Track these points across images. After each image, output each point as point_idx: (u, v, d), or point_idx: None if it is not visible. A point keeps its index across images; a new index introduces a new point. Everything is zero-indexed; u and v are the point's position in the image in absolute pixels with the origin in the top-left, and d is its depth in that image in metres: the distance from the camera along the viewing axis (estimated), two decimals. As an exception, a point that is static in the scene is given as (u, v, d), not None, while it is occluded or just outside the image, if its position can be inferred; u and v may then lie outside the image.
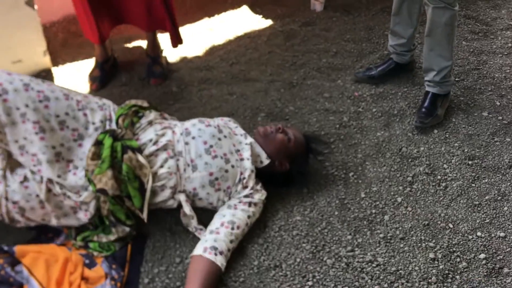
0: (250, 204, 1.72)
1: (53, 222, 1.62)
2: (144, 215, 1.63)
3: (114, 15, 2.40)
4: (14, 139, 1.55)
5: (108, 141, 1.60)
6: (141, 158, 1.61)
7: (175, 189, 1.67)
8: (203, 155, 1.68)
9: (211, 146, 1.70)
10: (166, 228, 1.76)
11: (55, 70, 2.58)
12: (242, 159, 1.76)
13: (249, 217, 1.70)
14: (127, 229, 1.66)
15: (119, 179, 1.59)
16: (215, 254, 1.56)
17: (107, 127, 1.70)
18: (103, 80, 2.49)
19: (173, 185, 1.67)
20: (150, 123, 1.76)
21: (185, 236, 1.73)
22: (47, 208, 1.57)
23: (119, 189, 1.58)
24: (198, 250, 1.58)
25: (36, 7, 2.37)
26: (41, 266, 1.57)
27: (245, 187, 1.74)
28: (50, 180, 1.56)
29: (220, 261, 1.56)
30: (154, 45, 2.57)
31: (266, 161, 1.80)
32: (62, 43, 2.82)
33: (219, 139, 1.74)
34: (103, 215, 1.64)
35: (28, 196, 1.55)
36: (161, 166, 1.65)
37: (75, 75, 2.57)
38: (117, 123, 1.71)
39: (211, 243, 1.59)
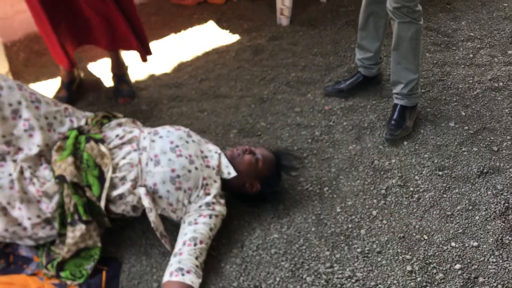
0: (211, 216, 1.69)
1: (17, 208, 1.57)
2: (102, 204, 1.63)
3: (77, 36, 2.34)
4: (1, 134, 1.61)
5: (73, 133, 1.70)
6: (103, 148, 1.67)
7: (135, 182, 1.65)
8: (167, 152, 1.70)
9: (177, 146, 1.72)
10: (141, 252, 1.72)
11: (18, 91, 2.49)
12: (208, 166, 1.77)
13: (211, 229, 1.67)
14: (84, 227, 1.60)
15: (80, 168, 1.63)
16: (182, 275, 1.53)
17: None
18: (70, 100, 2.42)
19: (134, 178, 1.65)
20: (120, 124, 1.83)
21: (161, 259, 1.70)
22: (15, 188, 1.57)
23: (78, 177, 1.60)
24: (165, 277, 1.56)
25: (-4, 27, 2.29)
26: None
27: (207, 194, 1.72)
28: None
29: (190, 279, 1.53)
30: (118, 64, 2.53)
31: (233, 173, 1.79)
32: (24, 63, 2.73)
33: (187, 142, 1.77)
34: (67, 212, 1.60)
35: (1, 174, 1.57)
36: (123, 158, 1.68)
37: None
38: (86, 123, 1.80)
39: (176, 265, 1.56)
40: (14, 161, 1.61)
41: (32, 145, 1.65)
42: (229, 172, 1.80)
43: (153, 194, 1.67)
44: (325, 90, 2.56)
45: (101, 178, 1.63)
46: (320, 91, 2.58)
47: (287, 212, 1.91)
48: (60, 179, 1.59)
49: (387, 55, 2.73)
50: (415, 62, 2.19)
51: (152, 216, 1.64)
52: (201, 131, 2.31)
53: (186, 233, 1.65)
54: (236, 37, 3.07)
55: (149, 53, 2.44)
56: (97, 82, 2.62)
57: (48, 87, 2.55)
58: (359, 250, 1.75)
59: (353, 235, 1.81)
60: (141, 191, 1.65)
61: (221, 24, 3.23)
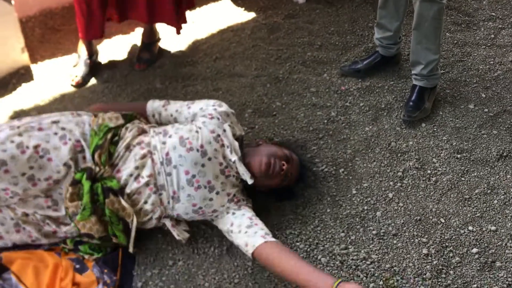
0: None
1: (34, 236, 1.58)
2: (130, 249, 1.61)
3: (118, 11, 2.37)
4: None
5: (86, 185, 1.52)
6: (123, 202, 1.55)
7: (160, 217, 1.64)
8: (185, 187, 1.59)
9: (193, 176, 1.59)
10: (156, 230, 1.73)
11: (34, 67, 2.49)
12: (228, 176, 1.67)
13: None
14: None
15: (104, 221, 1.56)
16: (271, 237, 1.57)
17: (80, 161, 1.57)
18: (87, 77, 2.42)
19: (158, 216, 1.63)
20: (128, 147, 1.61)
21: (177, 238, 1.70)
22: (26, 229, 1.55)
23: (105, 231, 1.56)
24: (258, 241, 1.54)
25: (13, 1, 2.28)
26: (30, 273, 1.52)
27: (237, 201, 1.69)
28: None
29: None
30: (151, 33, 2.57)
31: (250, 181, 1.67)
32: (39, 39, 2.72)
33: (203, 165, 1.60)
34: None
35: (3, 219, 1.53)
36: (145, 202, 1.59)
37: (55, 72, 2.49)
38: (93, 157, 1.57)
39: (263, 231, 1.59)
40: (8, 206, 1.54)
41: (27, 206, 1.54)
42: (247, 179, 1.68)
43: (177, 218, 1.68)
44: (341, 70, 2.52)
45: (126, 230, 1.59)
46: (337, 71, 2.54)
47: (302, 193, 1.90)
48: (87, 237, 1.57)
49: (407, 35, 2.68)
50: (436, 42, 2.14)
51: (178, 236, 1.65)
52: (216, 110, 2.29)
53: (244, 213, 1.66)
54: (251, 15, 3.03)
55: (185, 21, 2.48)
56: (113, 59, 2.61)
57: (64, 64, 2.54)
58: (374, 232, 1.74)
59: (368, 217, 1.80)
60: (167, 223, 1.65)
61: (237, 1, 3.17)
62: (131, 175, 1.57)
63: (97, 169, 1.55)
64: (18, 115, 2.23)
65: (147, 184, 1.57)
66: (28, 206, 1.53)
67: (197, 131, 1.63)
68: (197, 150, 1.59)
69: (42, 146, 1.50)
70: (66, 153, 1.53)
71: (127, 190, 1.57)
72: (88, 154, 1.57)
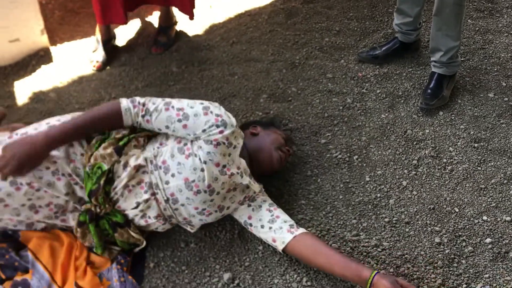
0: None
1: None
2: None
3: None
4: None
5: (92, 228, 1.52)
6: (132, 233, 1.57)
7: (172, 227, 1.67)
8: (196, 216, 1.57)
9: (203, 209, 1.56)
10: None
11: (53, 49, 2.52)
12: (236, 189, 1.61)
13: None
14: None
15: (117, 245, 1.60)
16: (297, 227, 1.60)
17: (77, 190, 1.54)
18: (106, 60, 2.44)
19: (164, 228, 1.64)
20: (127, 187, 1.52)
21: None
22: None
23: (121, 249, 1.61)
24: (287, 237, 1.55)
25: (32, -16, 2.30)
26: (46, 251, 1.56)
27: (250, 197, 1.68)
28: None
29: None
30: (167, 17, 2.58)
31: (258, 189, 1.67)
32: (59, 21, 2.75)
33: (212, 200, 1.54)
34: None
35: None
36: (156, 229, 1.61)
37: (74, 55, 2.52)
38: (89, 199, 1.52)
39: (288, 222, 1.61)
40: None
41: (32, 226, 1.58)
42: (255, 190, 1.67)
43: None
44: (359, 56, 2.49)
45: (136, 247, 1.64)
46: (354, 57, 2.51)
47: (315, 179, 1.90)
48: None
49: (427, 21, 2.62)
50: (457, 28, 2.09)
51: (191, 230, 1.66)
52: (231, 95, 2.29)
53: (260, 205, 1.67)
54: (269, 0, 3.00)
55: (193, 5, 2.47)
56: (130, 43, 2.62)
57: (83, 46, 2.57)
58: (386, 219, 1.73)
59: (381, 204, 1.79)
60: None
61: (255, -15, 3.15)
62: (136, 215, 1.55)
63: (98, 209, 1.52)
64: (37, 96, 2.27)
65: (156, 218, 1.57)
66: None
67: (202, 169, 1.49)
68: (205, 192, 1.51)
69: (36, 183, 1.47)
70: (61, 188, 1.50)
71: (134, 219, 1.57)
72: (83, 191, 1.54)
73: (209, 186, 1.50)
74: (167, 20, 2.59)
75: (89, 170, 1.50)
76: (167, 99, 1.56)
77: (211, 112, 1.52)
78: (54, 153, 1.49)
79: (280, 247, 1.56)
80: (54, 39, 2.59)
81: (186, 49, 2.58)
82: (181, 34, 2.68)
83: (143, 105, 1.53)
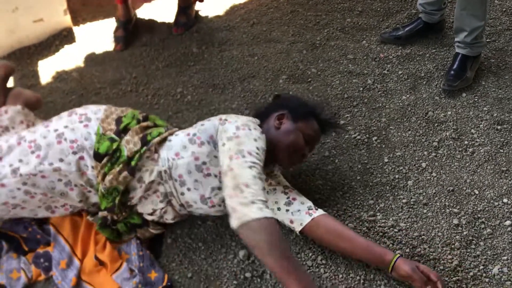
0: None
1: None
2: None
3: None
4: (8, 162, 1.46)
5: (107, 233, 1.56)
6: (153, 230, 1.59)
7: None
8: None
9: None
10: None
11: (76, 30, 2.56)
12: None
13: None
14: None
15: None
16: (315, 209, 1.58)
17: (91, 197, 1.53)
18: (127, 40, 2.47)
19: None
20: (142, 197, 1.52)
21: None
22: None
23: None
24: (306, 219, 1.55)
25: (55, -36, 2.33)
26: (67, 225, 1.60)
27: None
28: None
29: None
30: None
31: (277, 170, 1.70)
32: (82, 2, 2.78)
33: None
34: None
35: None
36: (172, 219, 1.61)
37: (96, 35, 2.55)
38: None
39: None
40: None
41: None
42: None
43: None
44: (381, 37, 2.45)
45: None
46: (376, 38, 2.47)
47: (332, 160, 1.89)
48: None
49: (452, 1, 2.56)
50: (482, 8, 2.03)
51: None
52: (250, 76, 2.29)
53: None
54: (291, -20, 2.97)
55: None
56: (151, 23, 2.64)
57: (105, 26, 2.59)
58: (404, 201, 1.72)
59: (399, 185, 1.78)
60: None
61: (277, -34, 3.12)
62: (153, 219, 1.58)
63: (115, 216, 1.53)
64: (60, 75, 2.31)
65: (172, 220, 1.60)
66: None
67: (219, 188, 1.50)
68: (219, 205, 1.53)
69: (49, 193, 1.47)
70: (74, 197, 1.51)
71: (154, 219, 1.58)
72: (97, 196, 1.53)
73: (224, 201, 1.42)
74: (185, 0, 2.59)
75: (104, 191, 1.47)
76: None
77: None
78: (64, 167, 1.46)
79: (297, 228, 1.56)
80: (77, 19, 2.63)
81: (207, 30, 2.58)
82: (202, 15, 2.68)
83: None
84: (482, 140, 1.91)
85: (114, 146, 1.48)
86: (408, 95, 2.14)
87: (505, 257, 1.52)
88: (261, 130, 1.49)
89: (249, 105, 2.16)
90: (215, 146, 1.49)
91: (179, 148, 1.50)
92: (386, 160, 1.87)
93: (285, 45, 2.47)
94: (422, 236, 1.60)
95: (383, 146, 1.93)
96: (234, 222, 1.28)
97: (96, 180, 1.48)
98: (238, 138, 1.41)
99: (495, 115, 2.01)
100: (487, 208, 1.67)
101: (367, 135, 1.97)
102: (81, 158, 1.47)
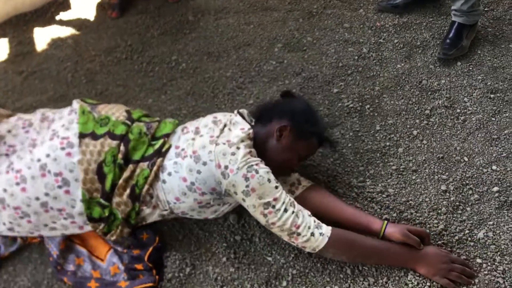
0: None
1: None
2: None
3: None
4: (2, 222, 1.48)
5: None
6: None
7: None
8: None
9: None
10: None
11: (71, -3, 2.55)
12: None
13: None
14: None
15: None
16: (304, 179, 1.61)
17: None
18: (122, 8, 2.46)
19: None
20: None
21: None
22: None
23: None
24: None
25: None
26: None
27: None
28: None
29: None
30: None
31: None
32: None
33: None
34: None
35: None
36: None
37: (92, 3, 2.53)
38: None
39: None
40: None
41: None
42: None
43: None
44: (379, 5, 2.42)
45: None
46: (374, 6, 2.44)
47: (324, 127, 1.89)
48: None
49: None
50: (479, -25, 2.01)
51: None
52: (246, 44, 2.28)
53: None
54: None
55: None
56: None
57: (100, -5, 2.58)
58: (394, 167, 1.73)
59: (389, 153, 1.79)
60: None
61: None
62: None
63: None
64: (55, 42, 2.31)
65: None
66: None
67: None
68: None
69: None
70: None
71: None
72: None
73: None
74: None
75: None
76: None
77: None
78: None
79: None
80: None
81: (203, -3, 2.56)
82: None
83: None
84: (474, 108, 1.91)
85: (107, 212, 1.46)
86: (403, 64, 2.13)
87: (491, 222, 1.54)
88: (261, 160, 1.40)
89: (243, 73, 2.16)
90: (219, 194, 1.44)
91: (178, 193, 1.45)
92: (378, 128, 1.88)
93: (282, 13, 2.45)
94: (410, 202, 1.62)
95: (376, 114, 1.93)
96: (312, 252, 1.40)
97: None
98: (254, 192, 1.35)
99: (489, 83, 2.00)
100: (475, 175, 1.68)
101: (360, 103, 1.98)
102: (67, 192, 1.43)
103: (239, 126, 1.47)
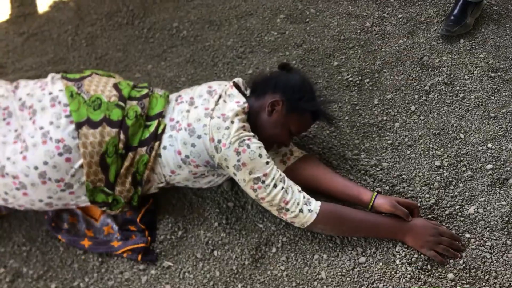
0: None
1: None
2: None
3: None
4: None
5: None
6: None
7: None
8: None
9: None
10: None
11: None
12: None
13: None
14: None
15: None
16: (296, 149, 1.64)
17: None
18: None
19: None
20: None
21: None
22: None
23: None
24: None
25: None
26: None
27: None
28: None
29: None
30: None
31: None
32: None
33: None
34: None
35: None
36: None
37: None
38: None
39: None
40: None
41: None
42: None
43: None
44: (384, -21, 2.39)
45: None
46: (379, -20, 2.41)
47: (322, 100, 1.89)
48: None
49: None
50: (487, -50, 1.97)
51: None
52: (248, 13, 2.26)
53: None
54: None
55: None
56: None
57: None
58: (389, 141, 1.73)
59: (386, 127, 1.79)
60: None
61: None
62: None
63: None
64: (57, 5, 2.29)
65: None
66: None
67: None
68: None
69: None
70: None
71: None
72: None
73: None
74: None
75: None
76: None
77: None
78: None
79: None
80: None
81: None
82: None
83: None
84: (474, 86, 1.90)
85: (110, 199, 1.46)
86: (405, 39, 2.11)
87: (483, 199, 1.55)
88: (254, 135, 1.40)
89: (244, 43, 2.14)
90: (213, 167, 1.46)
91: (173, 166, 1.46)
92: (376, 102, 1.87)
93: (286, -16, 2.41)
94: (403, 176, 1.63)
95: (375, 88, 1.93)
96: (301, 227, 1.44)
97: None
98: (245, 166, 1.37)
99: (490, 62, 1.98)
100: (470, 152, 1.68)
101: (360, 77, 1.97)
102: (71, 193, 1.44)
103: (234, 99, 1.46)
